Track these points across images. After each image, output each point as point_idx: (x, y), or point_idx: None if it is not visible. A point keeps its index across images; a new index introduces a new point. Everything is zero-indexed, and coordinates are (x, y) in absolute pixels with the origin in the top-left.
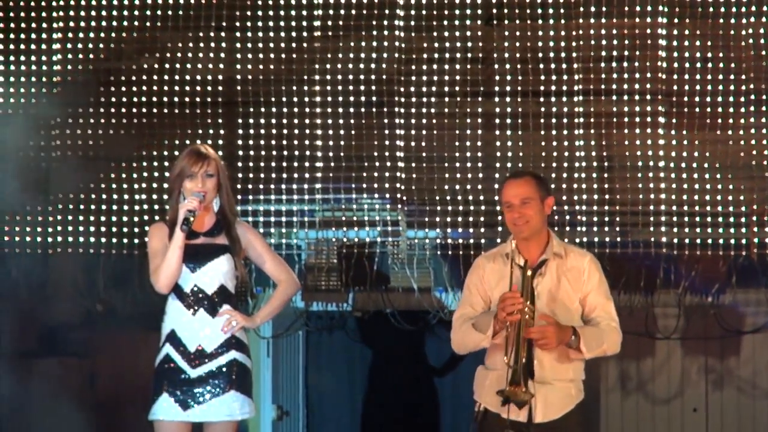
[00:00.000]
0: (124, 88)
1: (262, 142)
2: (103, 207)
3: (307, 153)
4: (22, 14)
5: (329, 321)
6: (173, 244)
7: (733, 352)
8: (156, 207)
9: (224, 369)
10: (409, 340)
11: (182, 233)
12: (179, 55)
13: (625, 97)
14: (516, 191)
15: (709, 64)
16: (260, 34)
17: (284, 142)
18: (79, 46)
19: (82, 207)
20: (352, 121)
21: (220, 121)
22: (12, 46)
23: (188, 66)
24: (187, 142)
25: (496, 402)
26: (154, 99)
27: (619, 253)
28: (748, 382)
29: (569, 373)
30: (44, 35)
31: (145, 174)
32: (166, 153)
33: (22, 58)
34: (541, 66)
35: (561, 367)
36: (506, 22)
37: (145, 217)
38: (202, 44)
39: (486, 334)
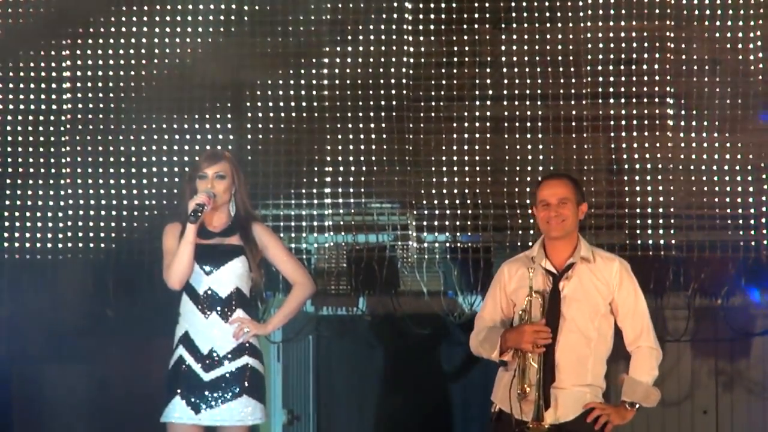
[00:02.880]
0: (133, 94)
1: (271, 147)
2: (113, 212)
3: (317, 157)
4: (32, 19)
5: (339, 325)
6: (184, 240)
7: (743, 354)
8: (166, 212)
9: (237, 374)
10: (420, 344)
11: (192, 226)
12: (188, 60)
13: (634, 100)
14: (554, 191)
15: (717, 67)
16: (269, 39)
17: (294, 147)
18: (88, 51)
19: (91, 212)
20: (361, 126)
21: (229, 126)
22: (21, 52)
23: (198, 70)
24: (197, 147)
25: (508, 404)
26: (164, 103)
27: (628, 255)
28: (759, 384)
29: (587, 378)
30: (53, 41)
31: (154, 179)
32: (175, 158)
33: (32, 64)
34: (550, 69)
35: (578, 373)
36: (515, 25)
37: (155, 222)
38: (211, 49)
39: (492, 355)
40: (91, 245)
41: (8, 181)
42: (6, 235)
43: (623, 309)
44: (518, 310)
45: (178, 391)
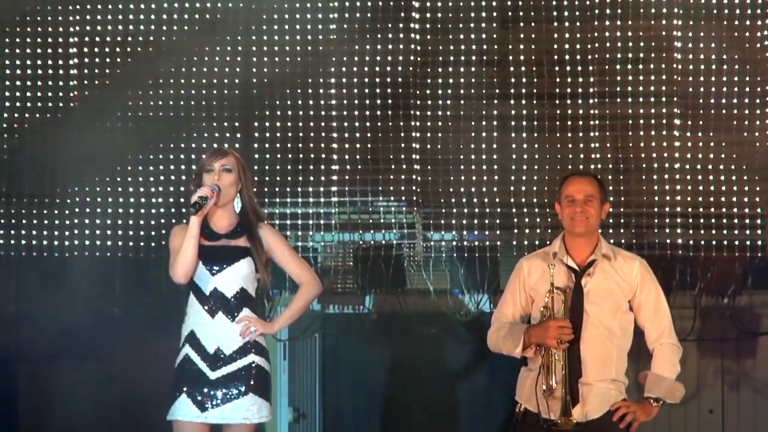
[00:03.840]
0: (140, 92)
1: (278, 145)
2: (120, 210)
3: (323, 156)
4: (38, 18)
5: (346, 323)
6: (188, 234)
7: (749, 354)
8: (173, 210)
9: (243, 372)
10: (426, 343)
11: (195, 219)
12: (195, 58)
13: (640, 100)
14: (581, 187)
15: (724, 66)
16: (276, 37)
17: (300, 145)
18: (96, 50)
19: (98, 210)
20: (367, 124)
21: (236, 124)
22: (29, 50)
23: (205, 69)
24: (204, 145)
25: (535, 402)
26: (171, 102)
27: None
28: (765, 384)
29: (611, 374)
30: (61, 39)
31: (162, 177)
32: (182, 156)
33: (39, 62)
34: (557, 69)
35: (603, 368)
36: (521, 24)
37: (162, 220)
38: (218, 48)
39: (515, 351)
40: (99, 243)
41: (15, 178)
42: (13, 232)
43: (645, 309)
44: (539, 307)
45: (184, 389)
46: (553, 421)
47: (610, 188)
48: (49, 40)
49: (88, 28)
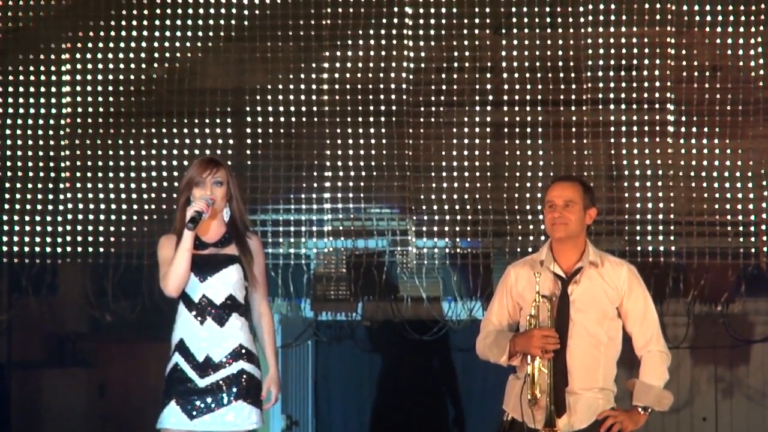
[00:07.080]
0: (133, 98)
1: (271, 152)
2: (113, 216)
3: (316, 162)
4: (32, 24)
5: (338, 330)
6: (181, 247)
7: (742, 361)
8: (165, 217)
9: (233, 379)
10: (418, 350)
11: (189, 233)
12: (188, 65)
13: (634, 106)
14: (561, 192)
15: (718, 73)
16: (269, 43)
17: (293, 152)
18: (88, 56)
19: (91, 216)
20: (360, 131)
21: (229, 130)
22: (21, 56)
23: (197, 75)
24: (197, 152)
25: (520, 412)
26: (163, 107)
27: (628, 261)
28: (758, 391)
29: (598, 382)
30: (53, 45)
31: (154, 184)
32: (175, 162)
33: (31, 68)
34: (550, 75)
35: (589, 377)
36: (515, 31)
37: (155, 227)
38: (211, 54)
39: (501, 360)
40: (90, 249)
41: (8, 185)
42: (5, 239)
43: (633, 315)
44: (526, 315)
45: (174, 397)
46: (537, 431)
47: (603, 195)
48: (42, 45)
49: (81, 33)
